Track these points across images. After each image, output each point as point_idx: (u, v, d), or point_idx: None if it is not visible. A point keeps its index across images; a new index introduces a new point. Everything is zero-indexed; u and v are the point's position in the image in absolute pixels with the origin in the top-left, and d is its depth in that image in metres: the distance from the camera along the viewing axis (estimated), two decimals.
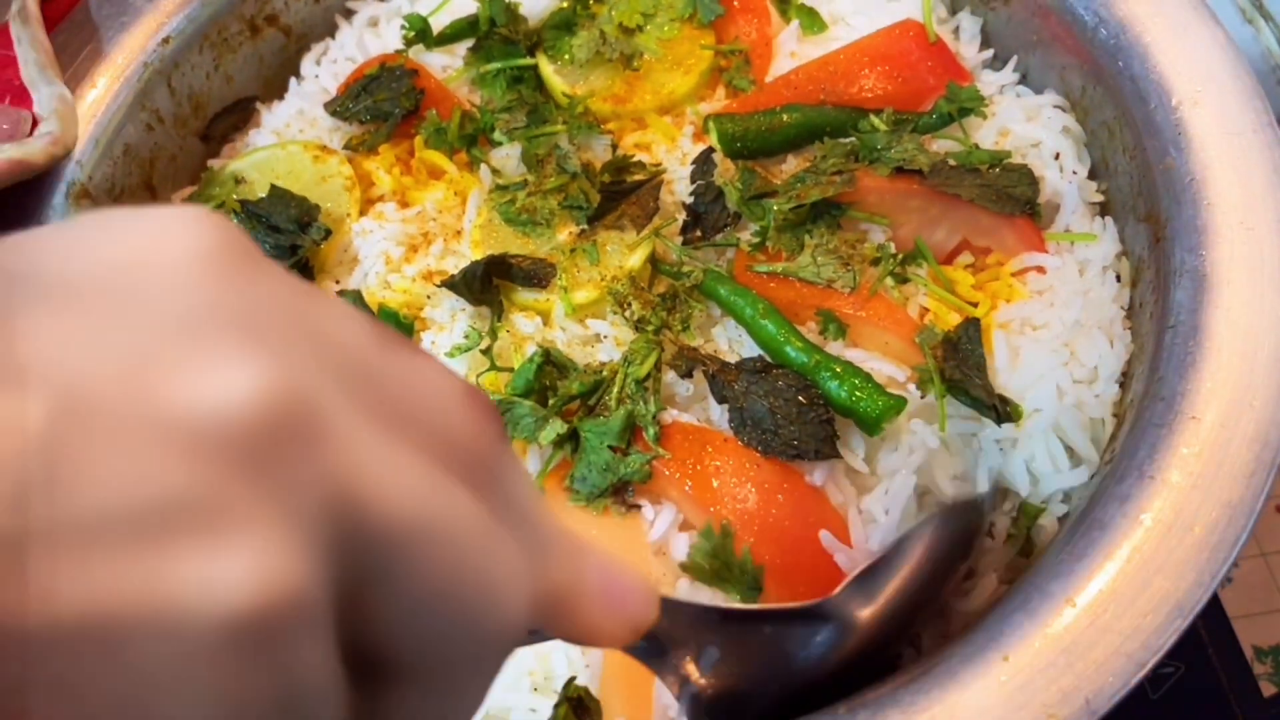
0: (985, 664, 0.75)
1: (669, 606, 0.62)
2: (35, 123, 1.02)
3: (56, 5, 1.15)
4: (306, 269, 1.09)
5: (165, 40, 1.17)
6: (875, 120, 1.09)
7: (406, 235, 1.11)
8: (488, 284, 1.03)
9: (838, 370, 0.93)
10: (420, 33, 1.24)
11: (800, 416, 0.92)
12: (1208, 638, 1.15)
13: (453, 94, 1.20)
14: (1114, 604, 0.76)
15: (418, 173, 1.16)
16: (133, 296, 0.32)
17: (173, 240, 0.34)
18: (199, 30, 1.20)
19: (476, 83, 1.22)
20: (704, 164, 1.07)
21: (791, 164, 1.10)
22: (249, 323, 0.33)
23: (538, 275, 1.03)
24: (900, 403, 0.91)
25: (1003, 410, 0.92)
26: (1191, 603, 0.76)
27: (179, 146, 1.22)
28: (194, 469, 0.30)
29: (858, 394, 0.92)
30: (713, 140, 1.10)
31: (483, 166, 1.13)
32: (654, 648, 0.67)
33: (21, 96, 1.04)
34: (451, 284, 1.02)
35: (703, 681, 0.68)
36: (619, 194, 1.07)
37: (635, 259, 1.04)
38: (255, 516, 0.30)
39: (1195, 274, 0.90)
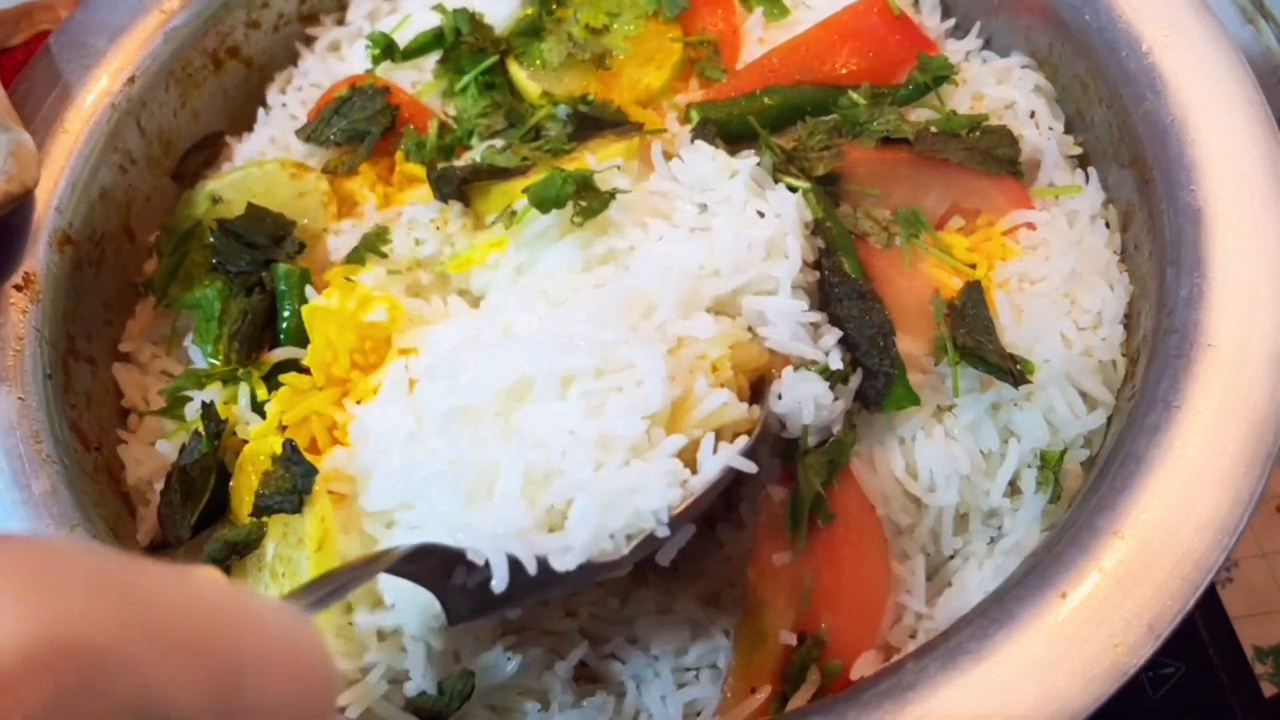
0: (1044, 603, 0.76)
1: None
2: None
3: (15, 54, 1.13)
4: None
5: (131, 80, 1.15)
6: (854, 95, 1.11)
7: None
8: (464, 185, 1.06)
9: None
10: (386, 49, 1.24)
11: (867, 358, 0.94)
12: (1208, 638, 1.15)
13: (427, 107, 1.20)
14: (1161, 531, 0.77)
15: (399, 185, 1.15)
16: None
17: None
18: (163, 67, 1.18)
19: (447, 95, 1.22)
20: (703, 128, 1.08)
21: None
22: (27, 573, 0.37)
23: (521, 170, 1.05)
24: (914, 400, 0.93)
25: (1017, 372, 0.93)
26: (1234, 521, 0.77)
27: (153, 187, 1.20)
28: None
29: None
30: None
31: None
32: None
33: None
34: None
35: None
36: (600, 123, 1.10)
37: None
38: None
39: (1189, 209, 0.92)
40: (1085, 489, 0.87)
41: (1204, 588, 0.75)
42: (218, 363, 1.07)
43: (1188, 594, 0.75)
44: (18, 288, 1.01)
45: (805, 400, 0.90)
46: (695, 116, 1.11)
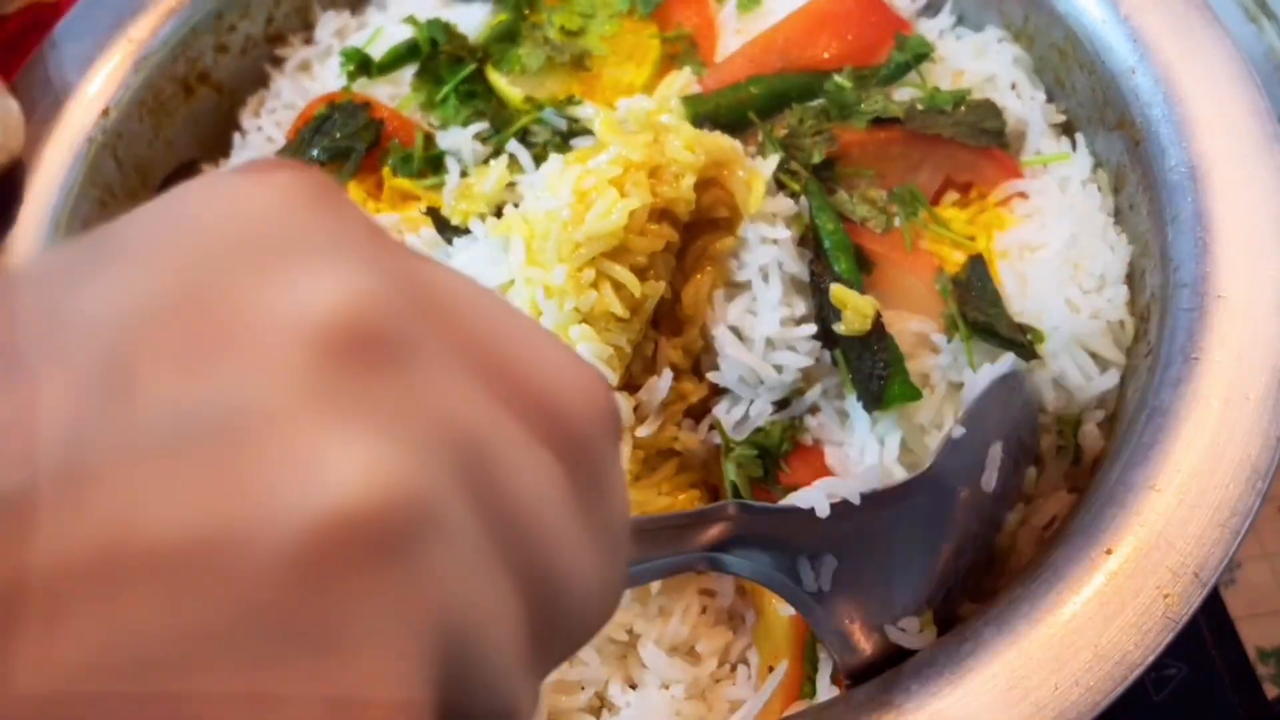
0: (1091, 561, 0.77)
1: (774, 516, 0.68)
2: None
3: (8, 25, 1.11)
4: None
5: (105, 112, 1.13)
6: (839, 79, 1.12)
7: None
8: None
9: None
10: (361, 65, 1.22)
11: (860, 362, 0.92)
12: (1211, 639, 1.15)
13: (410, 120, 1.18)
14: (1196, 481, 0.79)
15: (390, 202, 1.14)
16: (209, 236, 0.29)
17: (252, 188, 0.30)
18: (135, 98, 1.16)
19: (427, 106, 1.21)
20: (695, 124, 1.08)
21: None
22: (341, 244, 0.30)
23: None
24: (915, 395, 0.91)
25: (1028, 343, 0.94)
26: (1265, 465, 0.79)
27: None
28: (272, 374, 0.26)
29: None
30: (685, 120, 1.11)
31: (447, 158, 1.12)
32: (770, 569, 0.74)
33: None
34: None
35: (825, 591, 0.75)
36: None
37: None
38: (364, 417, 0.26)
39: (1184, 166, 0.94)
40: (1114, 447, 0.88)
41: (1244, 533, 0.76)
42: None
43: (1229, 540, 0.76)
44: None
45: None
46: (682, 110, 1.11)
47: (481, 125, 1.14)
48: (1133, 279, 1.00)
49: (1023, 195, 1.07)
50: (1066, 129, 1.12)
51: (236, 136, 1.25)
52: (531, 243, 0.89)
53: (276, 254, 0.28)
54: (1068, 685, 0.72)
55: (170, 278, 0.27)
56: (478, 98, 1.19)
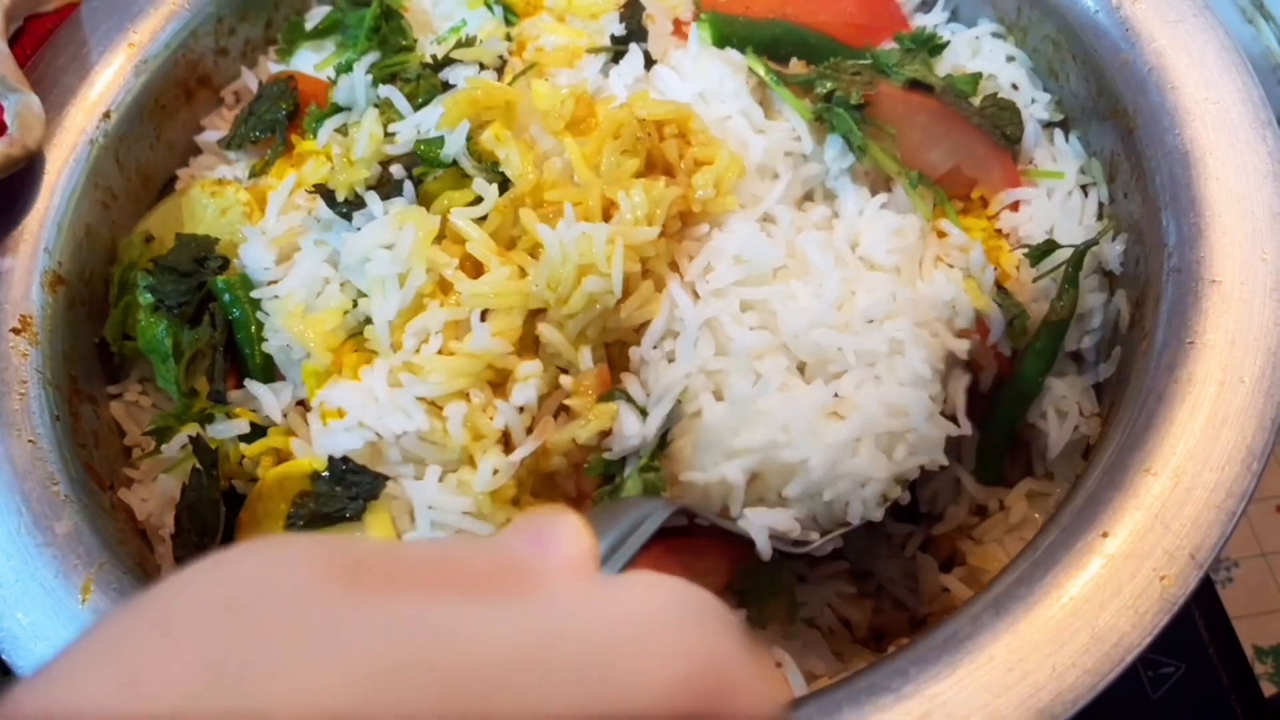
0: (1088, 544, 0.77)
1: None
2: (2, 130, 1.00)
3: (46, 21, 1.14)
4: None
5: (106, 115, 1.14)
6: (885, 50, 1.11)
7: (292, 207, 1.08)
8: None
9: None
10: (293, 29, 1.25)
11: None
12: (1209, 637, 1.16)
13: (322, 81, 1.18)
14: (1191, 464, 0.79)
15: (297, 165, 1.12)
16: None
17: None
18: (137, 100, 1.17)
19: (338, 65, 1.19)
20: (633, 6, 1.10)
21: (795, 65, 1.10)
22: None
23: None
24: None
25: None
26: (1260, 447, 0.79)
27: (134, 223, 1.18)
28: None
29: None
30: (705, 35, 1.09)
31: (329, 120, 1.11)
32: None
33: None
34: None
35: None
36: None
37: None
38: None
39: (1177, 153, 0.95)
40: (1110, 431, 0.89)
41: (1240, 514, 0.77)
42: (185, 399, 1.05)
43: (1225, 522, 0.76)
44: (15, 331, 0.99)
45: None
46: (707, 27, 1.08)
47: (374, 57, 1.13)
48: (1126, 265, 1.01)
49: (1014, 208, 1.06)
50: (1063, 124, 1.12)
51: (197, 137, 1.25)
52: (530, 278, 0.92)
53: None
54: (1065, 667, 0.72)
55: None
56: (384, 31, 1.17)
